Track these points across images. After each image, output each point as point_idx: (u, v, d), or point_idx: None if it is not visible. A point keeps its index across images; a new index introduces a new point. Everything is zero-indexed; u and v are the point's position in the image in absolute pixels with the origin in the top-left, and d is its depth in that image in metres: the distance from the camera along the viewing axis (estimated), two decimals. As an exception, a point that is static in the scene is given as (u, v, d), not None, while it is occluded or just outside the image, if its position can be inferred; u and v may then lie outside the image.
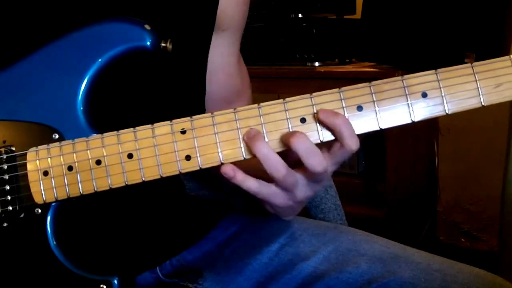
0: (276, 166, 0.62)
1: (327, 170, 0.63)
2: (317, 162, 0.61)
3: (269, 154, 0.62)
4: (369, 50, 1.74)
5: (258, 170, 0.81)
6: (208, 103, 0.88)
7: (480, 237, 2.16)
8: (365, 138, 0.63)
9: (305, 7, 1.80)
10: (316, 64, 1.80)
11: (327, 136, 0.63)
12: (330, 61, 1.84)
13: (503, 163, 1.44)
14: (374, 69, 1.71)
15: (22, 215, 0.69)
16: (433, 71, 0.62)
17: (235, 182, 0.63)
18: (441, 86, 0.62)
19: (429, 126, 2.03)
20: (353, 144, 0.62)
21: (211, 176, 0.93)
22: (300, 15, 1.80)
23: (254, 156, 0.63)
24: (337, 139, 0.62)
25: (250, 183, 0.64)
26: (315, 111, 0.63)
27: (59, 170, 0.67)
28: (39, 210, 0.68)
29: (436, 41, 1.55)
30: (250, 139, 0.62)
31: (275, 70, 1.83)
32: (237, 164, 0.80)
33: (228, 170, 0.62)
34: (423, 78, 0.62)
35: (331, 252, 0.80)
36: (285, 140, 0.62)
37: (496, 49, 1.50)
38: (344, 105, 0.62)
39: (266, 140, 0.63)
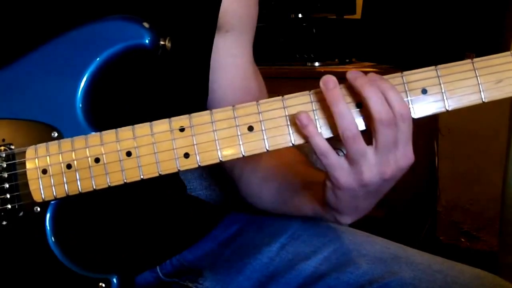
0: (351, 123, 0.60)
1: (396, 143, 0.61)
2: (382, 107, 0.59)
3: (345, 110, 0.60)
4: (369, 50, 1.74)
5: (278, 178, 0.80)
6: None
7: (480, 237, 2.16)
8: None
9: (305, 7, 1.80)
10: (316, 64, 1.80)
11: (327, 133, 0.63)
12: (330, 61, 1.84)
13: (503, 163, 1.44)
14: (374, 69, 1.71)
15: (21, 213, 0.69)
16: (433, 67, 0.62)
17: (306, 133, 0.61)
18: (441, 82, 0.61)
19: (429, 126, 2.03)
20: (402, 106, 0.59)
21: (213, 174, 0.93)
22: (300, 15, 1.80)
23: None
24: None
25: (320, 140, 0.61)
26: (314, 108, 0.63)
27: (58, 168, 0.67)
28: (38, 208, 0.68)
29: (436, 41, 1.55)
30: (328, 91, 0.60)
31: (275, 70, 1.83)
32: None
33: (304, 118, 0.60)
34: (423, 75, 0.62)
35: (331, 253, 0.80)
36: (359, 86, 0.60)
37: (495, 49, 1.50)
38: (343, 102, 0.62)
39: (266, 137, 0.63)
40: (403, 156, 0.62)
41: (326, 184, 0.66)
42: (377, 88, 0.60)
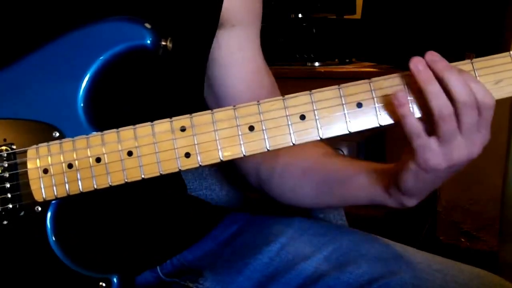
0: (445, 103, 0.60)
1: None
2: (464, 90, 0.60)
3: (440, 91, 0.60)
4: (369, 50, 1.74)
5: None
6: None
7: (480, 237, 2.16)
8: (365, 138, 0.63)
9: (305, 7, 1.80)
10: (316, 64, 1.80)
11: (327, 133, 0.63)
12: (330, 61, 1.84)
13: (503, 163, 1.44)
14: (374, 69, 1.71)
15: (22, 213, 0.69)
16: None
17: (401, 112, 0.61)
18: (441, 82, 0.62)
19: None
20: (487, 96, 0.60)
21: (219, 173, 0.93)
22: (300, 15, 1.80)
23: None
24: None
25: (414, 120, 0.61)
26: (315, 108, 0.63)
27: (59, 168, 0.67)
28: (39, 208, 0.69)
29: (436, 41, 1.55)
30: (419, 73, 0.60)
31: (275, 70, 1.82)
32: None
33: (402, 97, 0.60)
34: (423, 75, 0.62)
35: (331, 252, 0.80)
36: (440, 71, 0.60)
37: (495, 49, 1.50)
38: (343, 102, 0.62)
39: (266, 137, 0.63)
40: (484, 136, 0.64)
41: (409, 167, 0.65)
42: (457, 72, 0.61)
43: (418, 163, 0.64)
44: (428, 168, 0.64)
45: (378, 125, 0.63)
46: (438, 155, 0.63)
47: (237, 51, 0.86)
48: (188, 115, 0.65)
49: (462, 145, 0.62)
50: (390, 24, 1.68)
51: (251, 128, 0.64)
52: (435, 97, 0.60)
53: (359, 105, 0.62)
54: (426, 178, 0.66)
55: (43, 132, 0.69)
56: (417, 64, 0.61)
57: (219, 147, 0.64)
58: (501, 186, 1.45)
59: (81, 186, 0.67)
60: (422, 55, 0.61)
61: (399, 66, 1.66)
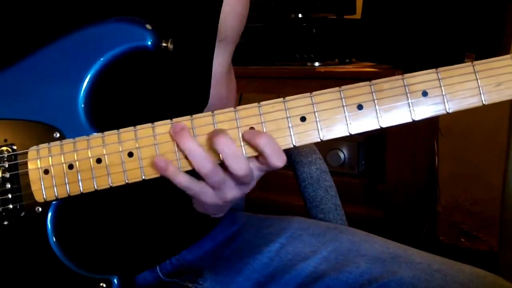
0: (202, 161, 0.62)
1: (252, 176, 0.64)
2: (239, 166, 0.62)
3: (194, 149, 0.62)
4: (369, 50, 1.74)
5: None
6: None
7: (480, 237, 2.16)
8: (365, 138, 0.63)
9: (305, 7, 1.79)
10: (316, 64, 1.79)
11: (328, 135, 0.63)
12: (330, 61, 1.84)
13: (503, 163, 1.44)
14: (374, 69, 1.71)
15: (22, 214, 0.69)
16: (433, 70, 0.62)
17: (166, 175, 0.63)
18: (441, 85, 0.62)
19: (429, 126, 2.03)
20: (277, 161, 0.62)
21: None
22: (300, 15, 1.80)
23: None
24: (262, 156, 0.63)
25: (181, 178, 0.64)
26: (315, 110, 0.63)
27: (60, 168, 0.67)
28: (40, 209, 0.69)
29: (436, 41, 1.55)
30: (176, 134, 0.63)
31: (275, 70, 1.83)
32: None
33: (161, 162, 0.63)
34: (424, 77, 0.62)
35: (331, 252, 0.80)
36: (209, 139, 0.63)
37: (495, 49, 1.50)
38: (344, 104, 0.62)
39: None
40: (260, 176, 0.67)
41: (192, 200, 0.69)
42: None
43: (197, 200, 0.68)
44: (206, 204, 0.68)
45: (379, 127, 0.63)
46: (211, 196, 0.66)
47: (214, 65, 0.88)
48: (188, 117, 0.65)
49: (233, 190, 0.66)
50: (390, 24, 1.68)
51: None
52: (189, 155, 0.63)
53: (360, 107, 0.62)
54: (208, 207, 0.70)
55: (44, 133, 0.69)
56: (172, 129, 0.63)
57: (220, 149, 0.64)
58: (501, 186, 1.45)
59: (81, 187, 0.67)
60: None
61: (399, 66, 1.68)
